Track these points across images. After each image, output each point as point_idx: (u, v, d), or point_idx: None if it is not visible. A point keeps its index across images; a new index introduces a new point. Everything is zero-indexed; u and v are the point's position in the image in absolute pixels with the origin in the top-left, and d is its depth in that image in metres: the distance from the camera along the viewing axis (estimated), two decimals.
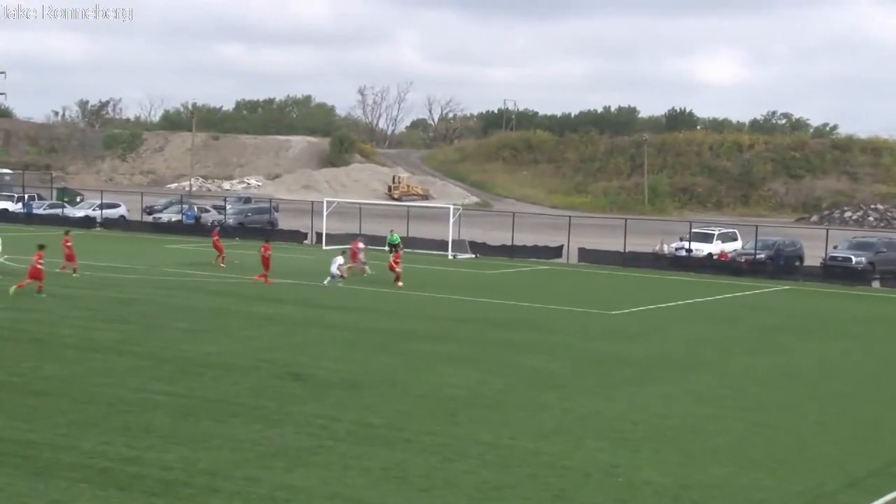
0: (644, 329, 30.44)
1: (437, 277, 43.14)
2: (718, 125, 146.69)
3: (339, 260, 37.70)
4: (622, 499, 14.08)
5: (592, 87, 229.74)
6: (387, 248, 52.76)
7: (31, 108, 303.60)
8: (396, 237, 53.40)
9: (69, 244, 38.48)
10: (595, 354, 25.46)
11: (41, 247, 33.16)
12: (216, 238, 45.87)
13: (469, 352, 25.08)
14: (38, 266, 32.29)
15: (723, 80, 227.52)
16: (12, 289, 31.66)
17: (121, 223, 67.39)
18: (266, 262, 37.86)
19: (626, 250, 52.54)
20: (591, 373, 23.12)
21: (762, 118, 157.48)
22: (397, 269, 38.46)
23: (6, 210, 72.02)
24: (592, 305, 34.95)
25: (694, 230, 54.91)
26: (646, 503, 13.91)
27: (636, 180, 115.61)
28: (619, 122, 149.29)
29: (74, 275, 37.41)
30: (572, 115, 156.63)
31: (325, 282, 37.12)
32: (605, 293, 39.68)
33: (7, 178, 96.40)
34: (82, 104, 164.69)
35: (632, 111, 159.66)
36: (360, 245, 43.34)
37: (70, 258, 38.23)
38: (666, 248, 53.88)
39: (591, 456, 16.11)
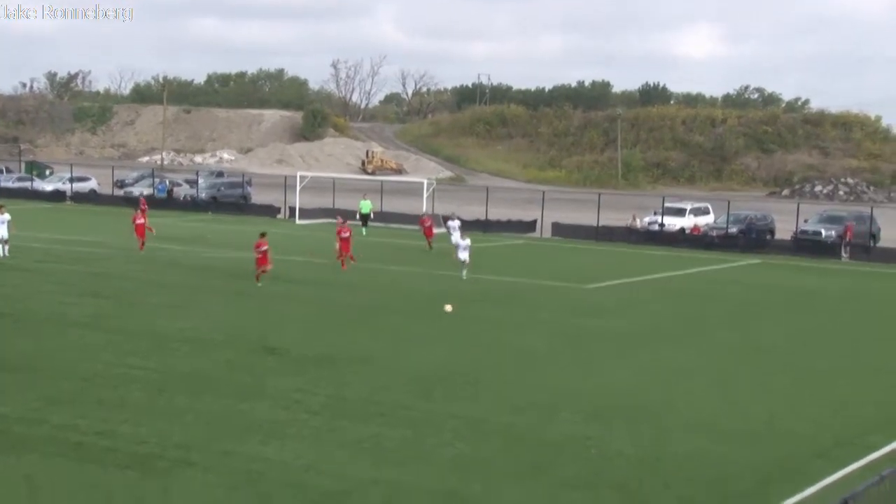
0: (617, 303, 30.61)
1: (412, 253, 43.13)
2: (692, 100, 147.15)
3: (464, 243, 34.00)
4: (596, 471, 14.23)
5: (568, 62, 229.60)
6: (358, 217, 52.35)
7: None
8: (368, 205, 53.04)
9: None
10: (569, 329, 25.60)
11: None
12: (144, 208, 43.40)
13: (443, 327, 25.13)
14: None
15: (698, 54, 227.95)
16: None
17: (91, 197, 66.74)
18: (264, 258, 31.16)
19: (600, 225, 52.70)
20: (566, 347, 23.26)
21: (735, 93, 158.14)
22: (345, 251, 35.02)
23: None
24: (566, 280, 35.09)
25: (667, 205, 55.14)
26: (619, 475, 14.06)
27: (610, 155, 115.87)
28: (593, 96, 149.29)
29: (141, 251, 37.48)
30: (546, 89, 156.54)
31: (463, 274, 33.50)
32: (579, 267, 39.85)
33: None
34: (51, 76, 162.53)
35: (605, 86, 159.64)
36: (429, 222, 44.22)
37: None
38: (639, 223, 54.13)
39: (564, 429, 16.24)
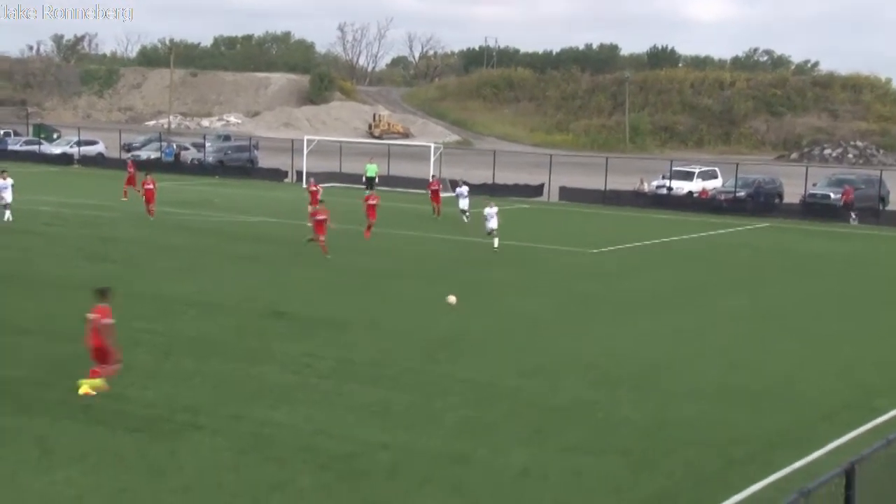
0: (624, 268, 30.60)
1: (418, 217, 43.10)
2: (700, 63, 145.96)
3: (492, 210, 32.20)
4: (601, 435, 14.29)
5: (576, 24, 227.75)
6: (363, 181, 52.18)
7: (5, 42, 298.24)
8: (374, 168, 52.80)
9: None
10: (575, 293, 25.62)
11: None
12: (132, 171, 44.04)
13: (450, 291, 25.15)
14: None
15: (707, 16, 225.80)
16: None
17: (99, 160, 66.73)
18: (320, 226, 29.95)
19: (607, 188, 52.57)
20: (572, 312, 23.29)
21: (744, 55, 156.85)
22: (371, 218, 34.24)
23: None
24: (573, 244, 35.07)
25: (674, 168, 54.97)
26: (625, 440, 14.13)
27: (617, 118, 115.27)
28: (601, 59, 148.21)
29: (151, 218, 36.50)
30: (554, 52, 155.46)
31: (495, 243, 31.96)
32: (586, 232, 39.80)
33: None
34: (57, 39, 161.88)
35: (613, 48, 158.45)
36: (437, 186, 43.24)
37: None
38: (646, 187, 53.99)
39: (570, 394, 16.30)
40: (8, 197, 34.93)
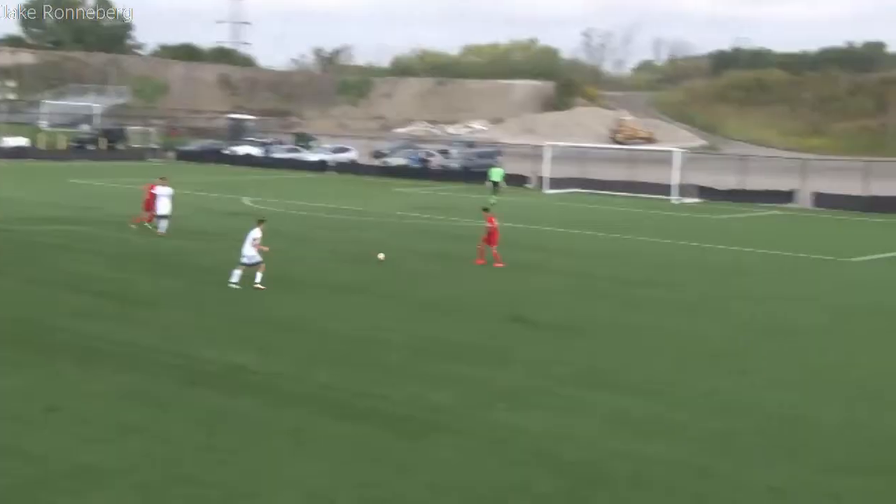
0: (888, 278, 28.60)
1: (662, 222, 42.23)
2: None
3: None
4: (865, 456, 13.36)
5: (836, 21, 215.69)
6: (489, 185, 50.19)
7: (271, 56, 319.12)
8: (501, 172, 50.95)
9: (153, 190, 33.46)
10: (839, 304, 24.20)
11: (163, 178, 34.01)
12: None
13: (697, 298, 24.47)
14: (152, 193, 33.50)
15: None
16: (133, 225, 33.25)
17: (351, 167, 69.98)
18: (493, 236, 28.71)
19: (869, 194, 49.38)
20: (835, 324, 22.02)
21: None
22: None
23: (249, 154, 76.39)
24: (830, 252, 33.16)
25: None
26: (890, 460, 13.13)
27: (882, 121, 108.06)
28: (865, 58, 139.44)
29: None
30: (810, 52, 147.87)
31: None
32: (844, 240, 37.53)
33: (250, 123, 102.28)
34: (317, 51, 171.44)
35: (879, 46, 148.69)
36: None
37: (149, 206, 33.47)
38: None
39: (830, 410, 15.36)
40: (167, 208, 32.29)
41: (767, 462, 13.03)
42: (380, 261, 23.07)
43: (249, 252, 23.95)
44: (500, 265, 27.99)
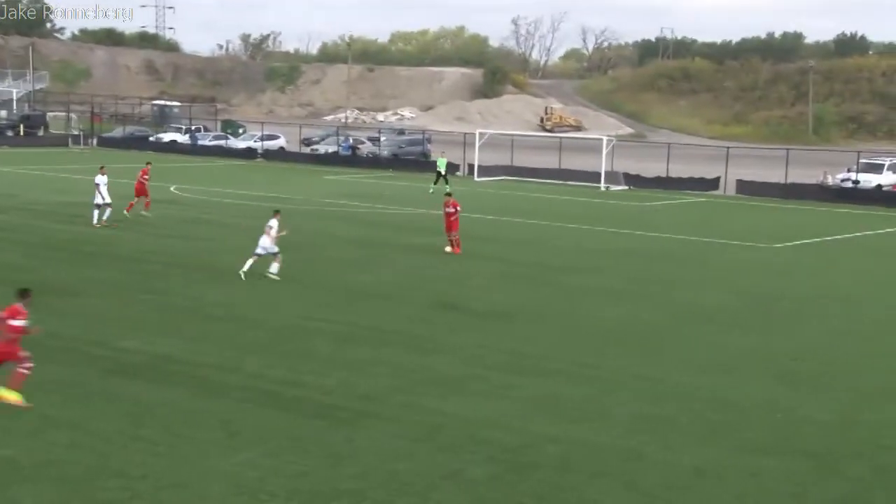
0: (807, 263, 29.37)
1: (590, 209, 42.71)
2: (893, 49, 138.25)
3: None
4: (782, 435, 13.74)
5: (756, 11, 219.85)
6: (438, 173, 49.56)
7: (197, 42, 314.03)
8: (444, 162, 50.37)
9: (146, 177, 34.65)
10: (755, 289, 24.75)
11: (148, 163, 34.58)
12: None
13: (623, 285, 24.82)
14: (143, 181, 33.91)
15: None
16: (125, 211, 33.35)
17: (280, 154, 69.34)
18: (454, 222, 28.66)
19: (788, 182, 50.60)
20: (752, 307, 22.51)
21: None
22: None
23: (174, 141, 75.14)
24: (751, 239, 33.91)
25: (862, 160, 52.34)
26: (808, 441, 13.53)
27: (800, 109, 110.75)
28: (784, 48, 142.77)
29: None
30: (733, 42, 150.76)
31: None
32: (766, 226, 38.41)
33: (175, 110, 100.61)
34: (244, 38, 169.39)
35: (797, 37, 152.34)
36: None
37: (142, 191, 34.39)
38: (830, 180, 51.62)
39: (748, 391, 15.75)
40: (104, 196, 31.56)
41: (692, 444, 13.31)
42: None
43: (266, 243, 23.93)
44: (455, 251, 28.21)
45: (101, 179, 31.87)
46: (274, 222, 24.06)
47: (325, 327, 19.15)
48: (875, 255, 31.56)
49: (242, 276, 23.41)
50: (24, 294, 14.02)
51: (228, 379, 15.65)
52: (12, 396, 13.75)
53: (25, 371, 13.84)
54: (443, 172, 49.37)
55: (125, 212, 33.33)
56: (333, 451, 12.62)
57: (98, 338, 17.77)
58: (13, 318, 13.73)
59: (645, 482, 11.97)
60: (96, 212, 31.76)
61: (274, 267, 23.66)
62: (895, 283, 26.64)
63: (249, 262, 23.71)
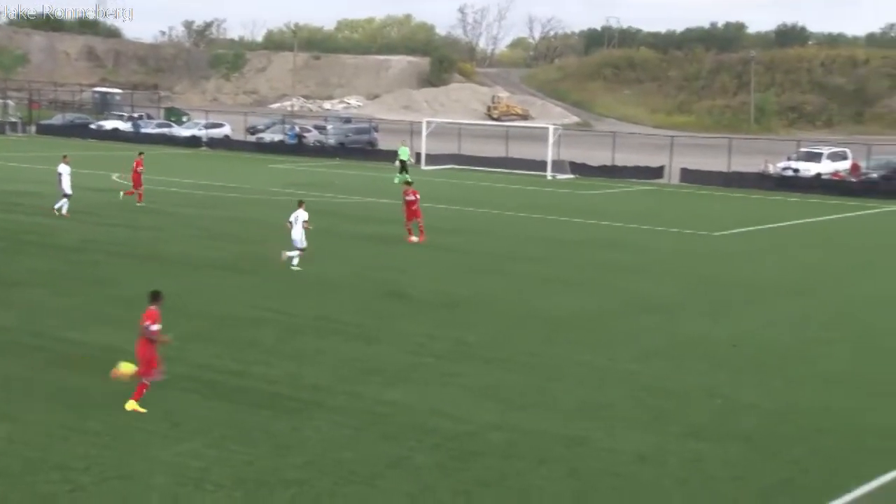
0: (749, 251, 29.84)
1: (537, 198, 42.93)
2: (832, 40, 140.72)
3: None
4: (723, 421, 13.99)
5: (701, 2, 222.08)
6: (397, 164, 50.09)
7: (139, 28, 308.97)
8: (406, 151, 50.46)
9: (141, 168, 35.05)
10: (698, 276, 25.11)
11: (140, 153, 35.63)
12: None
13: (568, 273, 25.01)
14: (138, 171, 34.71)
15: None
16: (121, 194, 34.66)
17: (225, 143, 68.65)
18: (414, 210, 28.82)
19: (731, 170, 51.33)
20: (694, 295, 22.84)
21: (880, 31, 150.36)
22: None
23: (116, 129, 74.00)
24: (695, 226, 34.36)
25: (802, 149, 53.29)
26: (748, 426, 13.79)
27: (742, 99, 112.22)
28: (726, 38, 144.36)
29: (139, 203, 34.15)
30: (677, 31, 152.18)
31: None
32: (709, 214, 38.94)
33: (117, 97, 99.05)
34: (188, 24, 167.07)
35: (739, 27, 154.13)
36: None
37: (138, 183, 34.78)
38: (771, 168, 52.47)
39: (691, 378, 16.00)
40: (66, 186, 31.10)
41: (635, 430, 13.49)
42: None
43: (299, 235, 24.15)
44: (420, 239, 28.26)
45: (64, 169, 31.45)
46: (304, 213, 24.24)
47: (271, 317, 19.05)
48: (815, 243, 32.18)
49: (296, 268, 23.74)
50: (155, 297, 13.74)
51: (173, 369, 15.47)
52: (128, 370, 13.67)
53: (157, 378, 13.70)
54: (405, 161, 49.43)
55: (137, 203, 34.19)
56: (279, 441, 12.59)
57: (39, 329, 17.50)
58: (154, 322, 13.46)
59: (588, 468, 12.11)
60: (65, 201, 31.43)
61: (294, 257, 23.94)
62: (834, 270, 27.19)
63: (295, 258, 23.98)
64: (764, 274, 25.86)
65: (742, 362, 17.06)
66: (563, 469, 12.06)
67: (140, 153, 36.44)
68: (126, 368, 13.68)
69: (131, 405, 13.47)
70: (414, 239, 28.45)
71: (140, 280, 22.08)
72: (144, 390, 13.54)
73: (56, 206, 31.31)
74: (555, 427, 13.48)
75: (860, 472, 12.21)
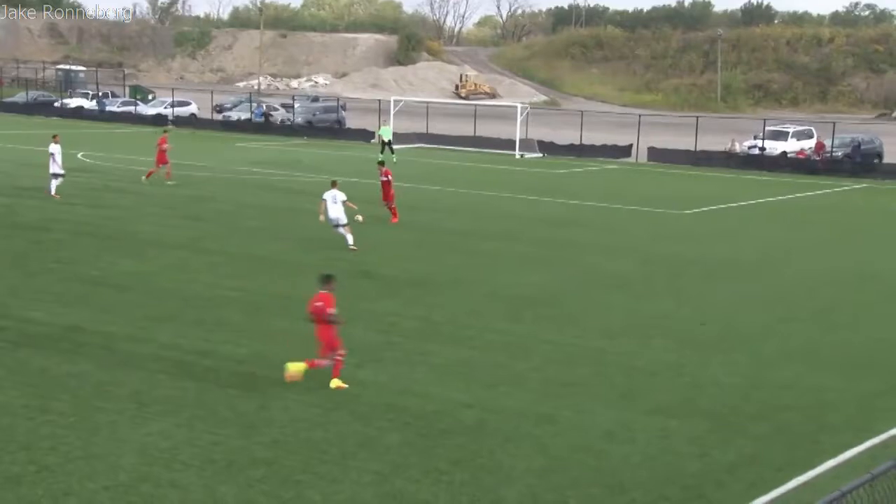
0: (715, 229, 30.07)
1: (505, 177, 42.96)
2: (797, 19, 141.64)
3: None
4: (689, 398, 14.12)
5: None
6: (378, 143, 50.06)
7: (103, 5, 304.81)
8: (389, 131, 50.25)
9: (165, 145, 35.39)
10: (665, 255, 25.27)
11: (166, 131, 35.22)
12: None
13: (536, 252, 25.08)
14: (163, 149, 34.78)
15: None
16: (143, 178, 34.91)
17: (191, 121, 68.01)
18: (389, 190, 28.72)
19: (698, 149, 51.61)
20: (661, 273, 22.99)
21: (844, 10, 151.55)
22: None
23: (81, 107, 73.07)
24: (662, 205, 34.55)
25: (768, 128, 53.66)
26: (713, 403, 13.93)
27: (709, 77, 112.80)
28: (693, 16, 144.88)
29: (168, 182, 34.68)
30: (644, 10, 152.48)
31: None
32: (676, 193, 39.16)
33: (81, 75, 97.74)
34: (153, 1, 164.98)
35: (706, 5, 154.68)
36: None
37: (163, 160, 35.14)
38: (738, 147, 52.82)
39: (657, 355, 16.13)
40: (57, 167, 30.64)
41: (603, 407, 13.59)
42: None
43: (338, 213, 24.19)
44: (394, 220, 28.22)
45: (56, 148, 30.78)
46: (339, 193, 24.21)
47: (238, 297, 18.96)
48: (781, 221, 32.47)
49: (353, 248, 23.88)
50: (327, 280, 13.98)
51: (139, 349, 15.41)
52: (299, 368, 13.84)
53: (329, 362, 13.90)
54: (387, 141, 49.13)
55: (167, 181, 34.46)
56: (247, 420, 12.56)
57: (1, 309, 17.30)
58: (332, 307, 13.69)
59: (557, 446, 12.19)
60: (54, 182, 30.76)
61: (349, 241, 24.10)
62: (800, 248, 27.47)
63: (348, 236, 24.10)
64: (730, 252, 26.07)
65: (708, 339, 17.21)
66: (532, 446, 12.13)
67: (165, 130, 36.07)
68: (296, 368, 13.87)
69: (335, 383, 13.80)
70: (395, 221, 28.25)
71: (104, 259, 21.90)
72: (341, 366, 13.89)
73: (52, 193, 30.57)
74: (524, 405, 13.55)
75: (823, 448, 12.38)
